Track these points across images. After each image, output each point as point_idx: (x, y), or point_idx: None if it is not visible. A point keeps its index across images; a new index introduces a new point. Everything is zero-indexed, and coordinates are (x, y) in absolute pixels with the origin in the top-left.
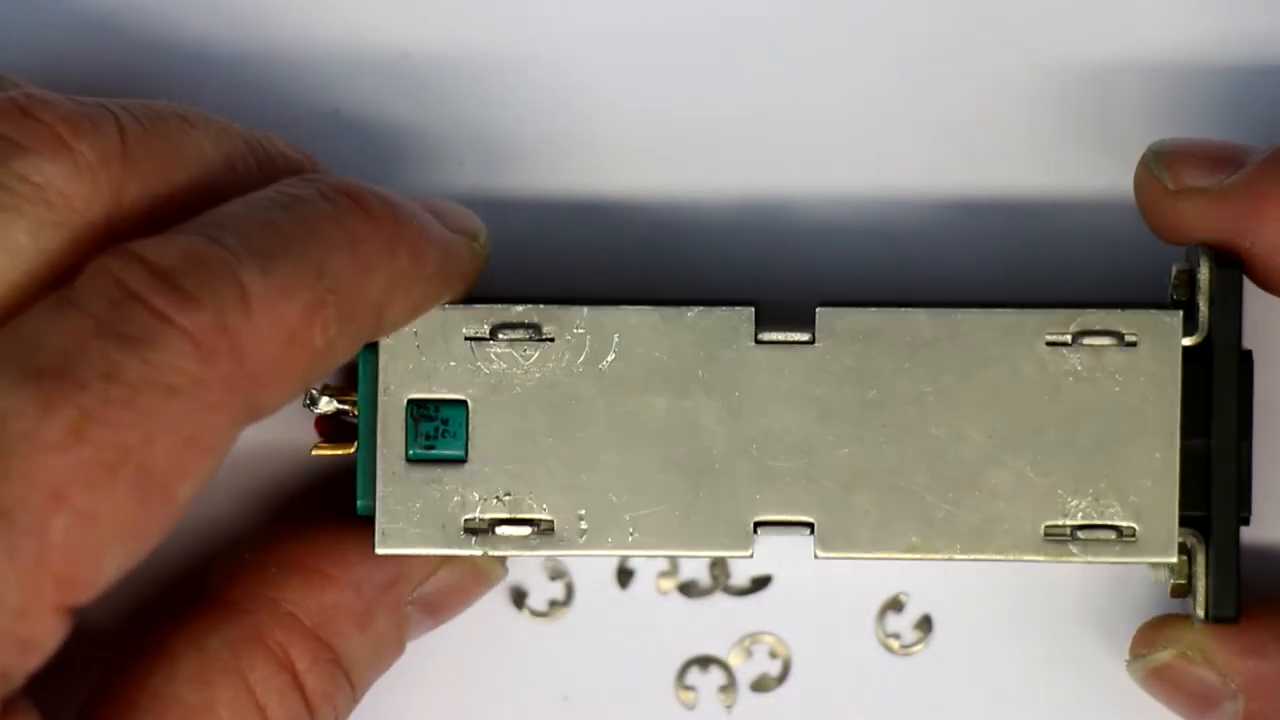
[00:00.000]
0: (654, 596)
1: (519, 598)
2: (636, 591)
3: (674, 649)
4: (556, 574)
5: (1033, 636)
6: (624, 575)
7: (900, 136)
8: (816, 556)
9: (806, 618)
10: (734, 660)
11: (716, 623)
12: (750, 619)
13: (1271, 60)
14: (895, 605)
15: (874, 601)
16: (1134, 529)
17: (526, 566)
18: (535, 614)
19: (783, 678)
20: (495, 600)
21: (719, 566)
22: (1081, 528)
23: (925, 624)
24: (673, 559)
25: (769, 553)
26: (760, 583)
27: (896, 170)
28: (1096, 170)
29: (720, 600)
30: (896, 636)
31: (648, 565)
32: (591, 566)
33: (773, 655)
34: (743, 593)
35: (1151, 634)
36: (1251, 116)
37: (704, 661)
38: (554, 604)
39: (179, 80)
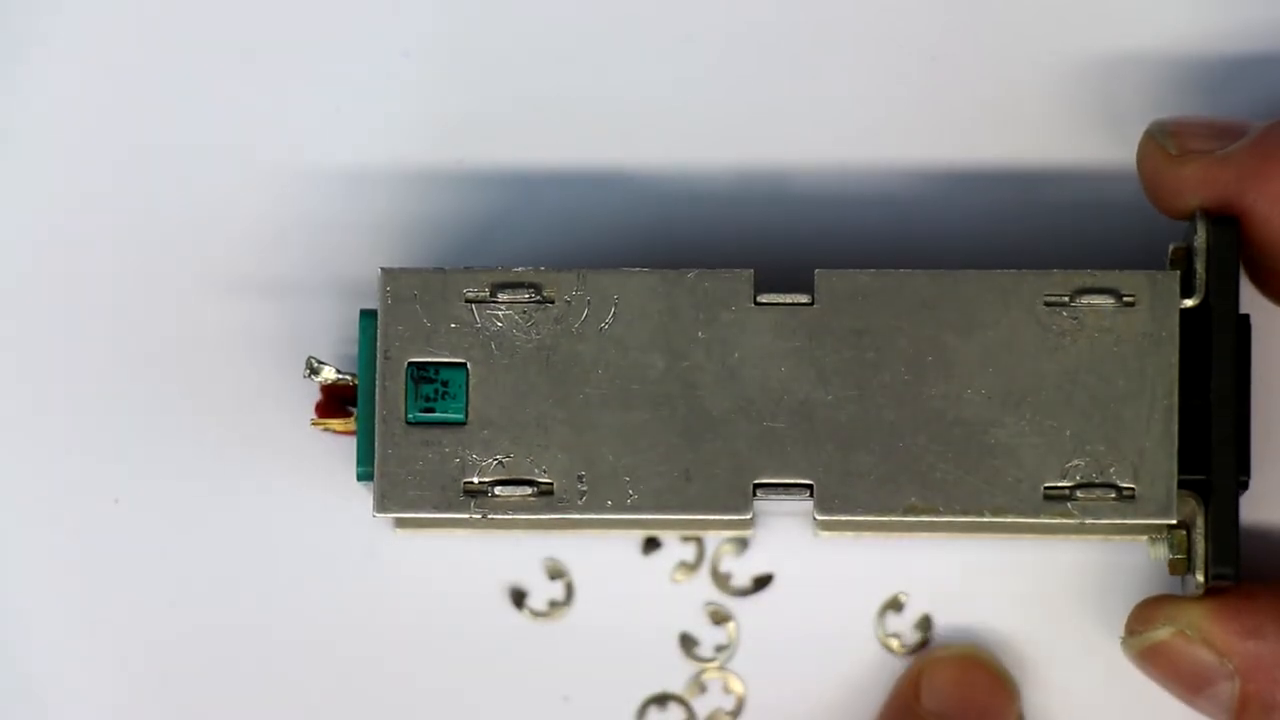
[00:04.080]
0: (654, 595)
1: (519, 598)
2: (636, 590)
3: (674, 648)
4: (556, 574)
5: (1031, 636)
6: (650, 544)
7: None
8: (815, 518)
9: (806, 618)
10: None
11: (718, 622)
12: (751, 619)
13: (1260, 47)
14: (895, 605)
15: (874, 601)
16: (1133, 489)
17: (526, 566)
18: (535, 614)
19: (736, 713)
20: (495, 600)
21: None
22: (1080, 487)
23: (925, 624)
24: (698, 553)
25: (770, 552)
26: (761, 582)
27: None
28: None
29: (722, 600)
30: (896, 636)
31: (672, 541)
32: (592, 565)
33: (727, 691)
34: (743, 593)
35: (1149, 611)
36: (1244, 101)
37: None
38: (554, 604)
39: (180, 78)
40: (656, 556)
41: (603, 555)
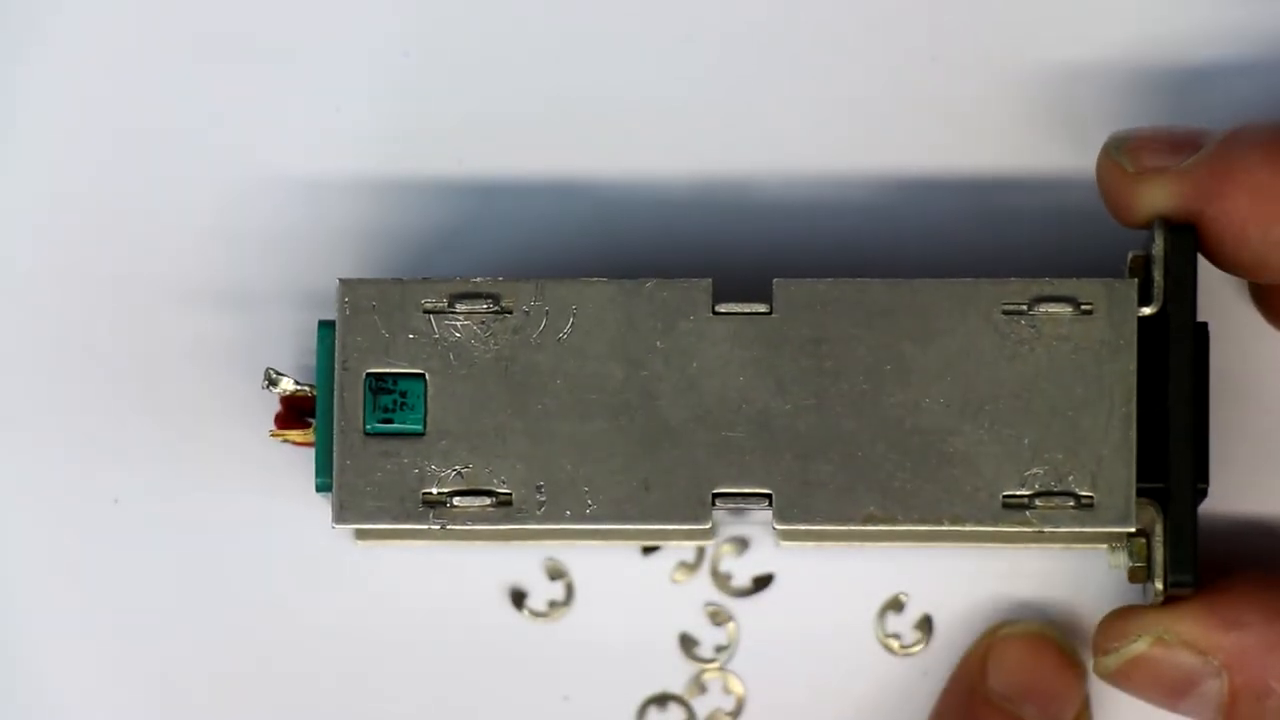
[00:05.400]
0: (654, 596)
1: (519, 598)
2: (636, 590)
3: (674, 648)
4: (556, 574)
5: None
6: (649, 546)
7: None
8: (775, 528)
9: (807, 618)
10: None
11: (718, 623)
12: (751, 619)
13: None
14: (895, 605)
15: (874, 601)
16: (1091, 497)
17: (526, 566)
18: (535, 614)
19: (736, 713)
20: (495, 600)
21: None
22: (1039, 495)
23: (925, 624)
24: (698, 553)
25: (770, 552)
26: (761, 582)
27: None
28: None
29: (722, 600)
30: (896, 636)
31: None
32: (592, 565)
33: (727, 691)
34: (743, 593)
35: (1118, 626)
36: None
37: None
38: (554, 604)
39: (180, 80)
40: (656, 557)
41: (602, 556)
